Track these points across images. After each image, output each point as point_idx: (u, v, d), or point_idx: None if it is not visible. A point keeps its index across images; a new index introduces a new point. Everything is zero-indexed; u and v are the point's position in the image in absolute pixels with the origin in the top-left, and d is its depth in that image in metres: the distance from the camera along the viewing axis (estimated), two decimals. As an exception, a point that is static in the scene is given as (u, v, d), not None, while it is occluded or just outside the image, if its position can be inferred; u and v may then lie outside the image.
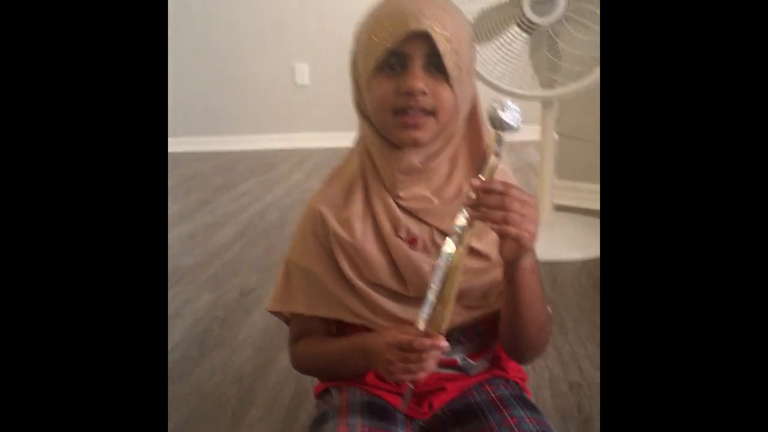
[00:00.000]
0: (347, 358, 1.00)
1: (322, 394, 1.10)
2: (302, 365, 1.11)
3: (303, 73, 4.93)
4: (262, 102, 5.02)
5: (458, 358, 1.03)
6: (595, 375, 1.60)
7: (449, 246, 0.85)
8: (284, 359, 1.77)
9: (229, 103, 5.10)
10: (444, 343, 0.86)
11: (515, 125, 0.83)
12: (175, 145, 5.15)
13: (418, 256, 0.95)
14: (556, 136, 2.82)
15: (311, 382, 1.21)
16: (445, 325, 0.87)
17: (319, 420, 1.01)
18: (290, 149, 4.84)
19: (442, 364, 1.01)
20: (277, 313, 1.09)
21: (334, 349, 1.02)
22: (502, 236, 0.84)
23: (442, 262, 0.85)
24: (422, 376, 0.87)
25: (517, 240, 0.83)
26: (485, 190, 0.82)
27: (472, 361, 1.05)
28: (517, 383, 1.08)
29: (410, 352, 0.86)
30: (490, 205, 0.82)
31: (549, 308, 1.00)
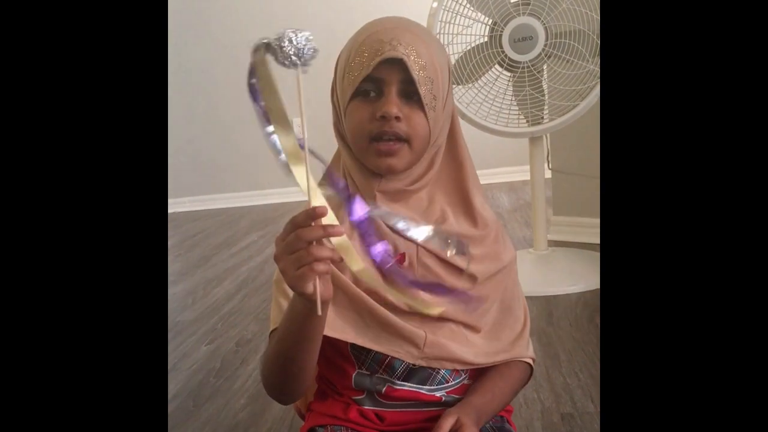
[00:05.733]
0: (287, 318, 0.91)
1: (307, 435, 1.08)
2: (263, 371, 1.00)
3: (299, 128, 4.97)
4: (261, 158, 5.05)
5: (441, 394, 1.02)
6: (587, 405, 1.58)
7: None
8: (278, 406, 1.77)
9: (228, 161, 5.16)
10: (322, 208, 0.78)
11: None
12: (176, 205, 5.20)
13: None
14: (549, 173, 2.83)
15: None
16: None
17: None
18: (291, 203, 4.85)
19: (425, 401, 1.02)
20: None
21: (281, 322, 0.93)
22: None
23: None
24: (320, 268, 0.78)
25: None
26: None
27: (455, 396, 1.03)
28: (501, 416, 1.08)
29: (293, 232, 0.79)
30: None
31: (529, 356, 1.06)
